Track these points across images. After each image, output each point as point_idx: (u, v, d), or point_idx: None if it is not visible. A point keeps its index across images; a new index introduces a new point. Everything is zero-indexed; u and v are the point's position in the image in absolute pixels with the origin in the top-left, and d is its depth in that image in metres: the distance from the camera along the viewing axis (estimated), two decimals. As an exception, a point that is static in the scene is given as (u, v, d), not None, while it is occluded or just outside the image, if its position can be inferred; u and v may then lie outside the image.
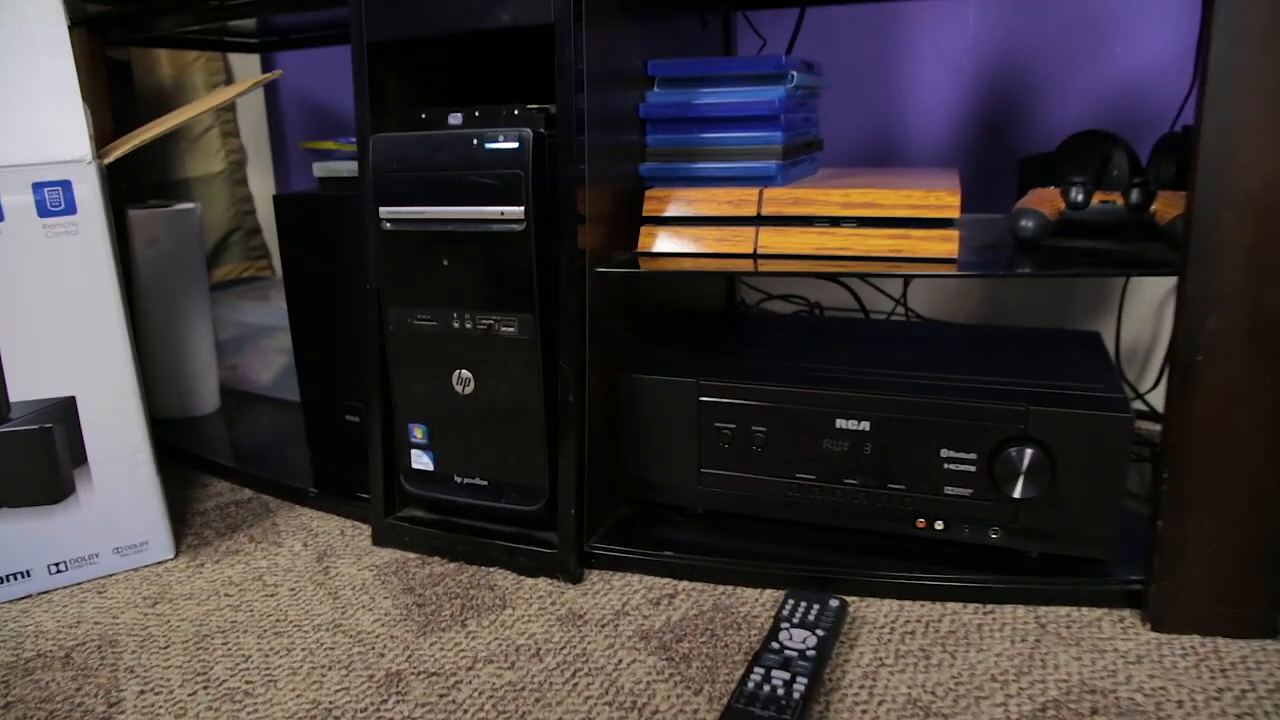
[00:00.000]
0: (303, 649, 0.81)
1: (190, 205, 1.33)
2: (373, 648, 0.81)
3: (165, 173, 1.62)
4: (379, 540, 1.00)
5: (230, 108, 1.69)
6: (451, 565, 0.95)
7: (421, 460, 0.97)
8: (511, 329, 0.88)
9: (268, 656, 0.80)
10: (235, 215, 1.70)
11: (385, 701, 0.74)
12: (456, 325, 0.90)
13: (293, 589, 0.92)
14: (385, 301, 0.93)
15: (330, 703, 0.74)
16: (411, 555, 0.97)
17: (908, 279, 1.26)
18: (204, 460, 1.22)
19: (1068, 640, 0.76)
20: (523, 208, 0.84)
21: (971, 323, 1.31)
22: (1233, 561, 0.75)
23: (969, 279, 1.33)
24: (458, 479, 0.95)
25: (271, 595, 0.91)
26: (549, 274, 0.86)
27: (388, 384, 0.96)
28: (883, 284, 1.32)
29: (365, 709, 0.73)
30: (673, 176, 0.94)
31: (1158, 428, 1.10)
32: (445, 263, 0.89)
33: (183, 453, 1.25)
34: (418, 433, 0.96)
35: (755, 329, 1.12)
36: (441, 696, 0.74)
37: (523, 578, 0.91)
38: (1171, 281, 1.17)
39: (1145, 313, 1.19)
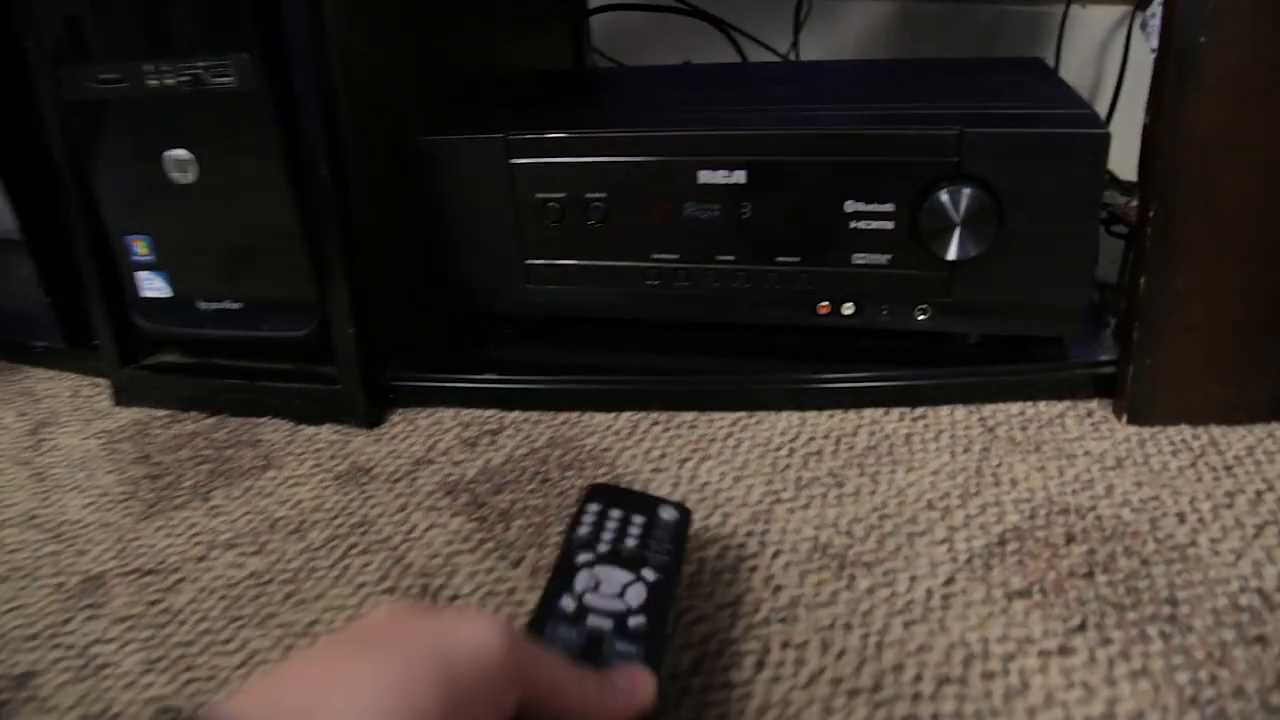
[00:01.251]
0: (-28, 554, 0.57)
1: None
2: (73, 544, 0.57)
3: None
4: (120, 399, 0.75)
5: None
6: (209, 421, 0.70)
7: (153, 284, 0.70)
8: (228, 79, 0.60)
9: (-93, 571, 0.56)
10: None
11: (69, 621, 0.51)
12: (153, 83, 0.62)
13: (-16, 473, 0.67)
14: (54, 61, 0.64)
15: (-14, 630, 0.50)
16: (161, 414, 0.72)
17: (799, 24, 1.00)
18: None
19: (1024, 445, 0.57)
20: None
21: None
22: (1233, 326, 0.56)
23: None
24: (202, 305, 0.69)
25: (-48, 484, 0.65)
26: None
27: (89, 184, 0.68)
28: (770, 38, 1.06)
29: (36, 635, 0.50)
30: None
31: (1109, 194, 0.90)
32: (122, -14, 0.60)
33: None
34: (140, 247, 0.69)
35: (599, 82, 0.86)
36: (152, 604, 0.51)
37: (301, 428, 0.67)
38: (1121, 10, 0.95)
39: (1088, 50, 0.97)
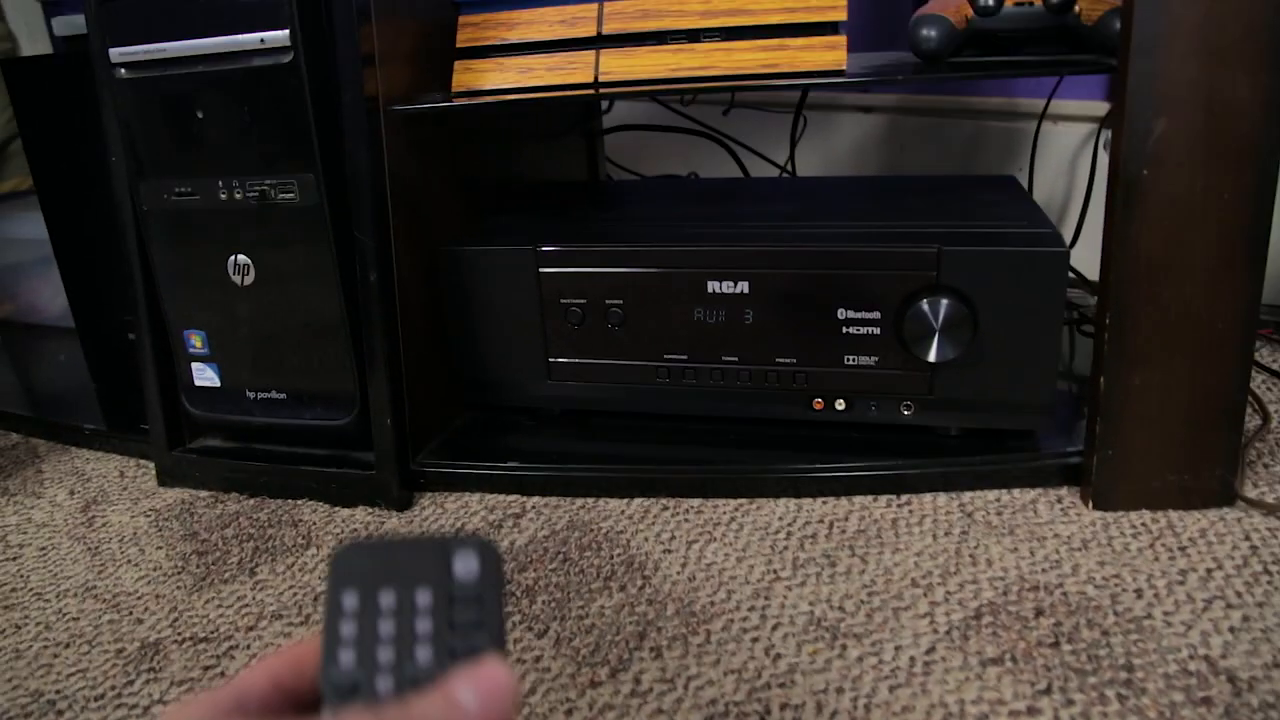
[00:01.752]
0: (38, 623, 0.63)
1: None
2: (131, 613, 0.63)
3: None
4: (164, 480, 0.81)
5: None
6: (250, 502, 0.76)
7: (205, 375, 0.77)
8: (291, 195, 0.68)
9: (-20, 637, 0.61)
10: (12, 119, 1.43)
11: (131, 683, 0.56)
12: (224, 196, 0.70)
13: (43, 548, 0.72)
14: (134, 175, 0.72)
15: (56, 691, 0.56)
16: (203, 494, 0.78)
17: (795, 139, 1.09)
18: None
19: (999, 529, 0.63)
20: (287, 31, 0.64)
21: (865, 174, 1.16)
22: (1185, 420, 0.62)
23: (866, 114, 1.18)
24: (250, 394, 0.76)
25: (14, 559, 0.71)
26: (333, 121, 0.66)
27: (154, 283, 0.76)
28: (768, 149, 1.15)
29: (103, 695, 0.55)
30: (493, -2, 0.74)
31: (1080, 294, 0.97)
32: (200, 115, 0.68)
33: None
34: (196, 341, 0.76)
35: (614, 195, 0.94)
36: (207, 669, 0.56)
37: (336, 509, 0.73)
38: (1089, 127, 1.03)
39: (1059, 163, 1.06)
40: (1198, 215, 0.59)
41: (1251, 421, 0.73)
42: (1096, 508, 0.64)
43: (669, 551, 0.63)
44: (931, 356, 0.64)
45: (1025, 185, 1.04)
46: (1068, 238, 1.03)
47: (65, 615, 0.63)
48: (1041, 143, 1.05)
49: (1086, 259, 0.63)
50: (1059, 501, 0.65)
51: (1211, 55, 0.56)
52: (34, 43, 1.48)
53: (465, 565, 0.28)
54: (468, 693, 0.25)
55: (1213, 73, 0.57)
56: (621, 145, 1.21)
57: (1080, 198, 1.03)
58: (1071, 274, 0.99)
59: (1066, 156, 1.06)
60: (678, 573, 0.61)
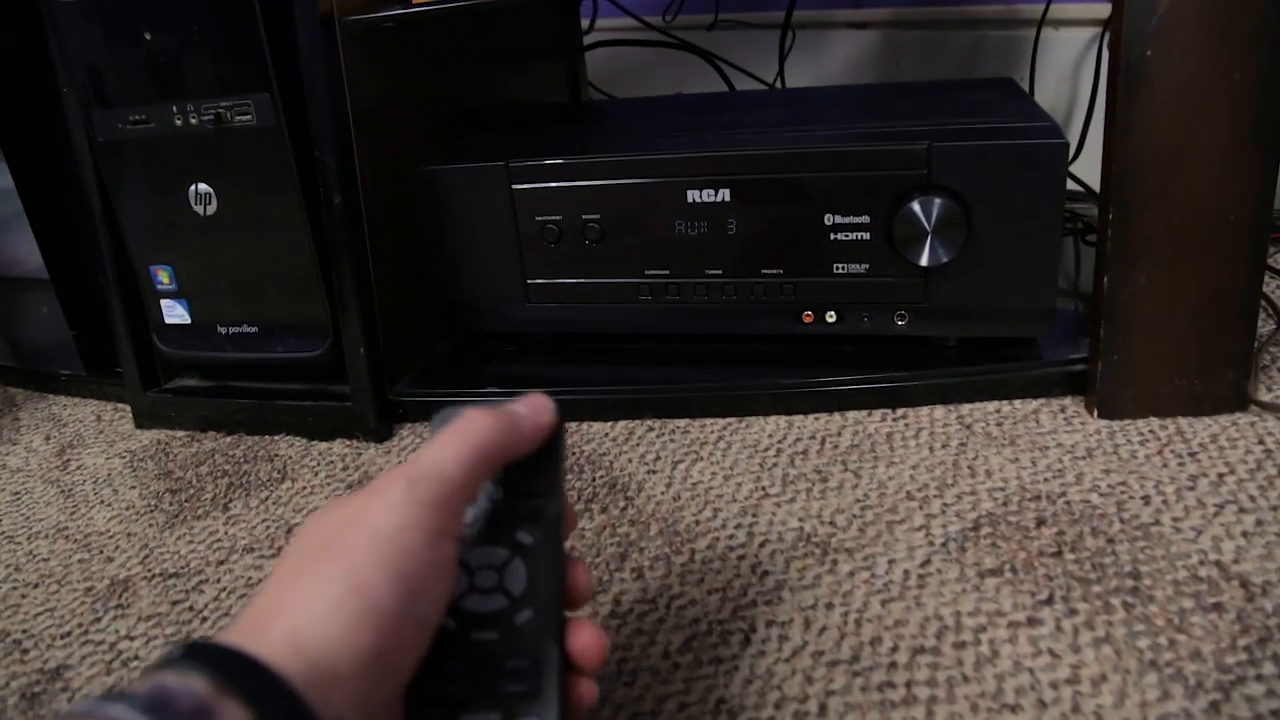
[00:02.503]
0: (7, 565, 0.61)
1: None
2: (101, 552, 0.61)
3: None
4: (141, 422, 0.78)
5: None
6: (227, 440, 0.74)
7: (175, 312, 0.74)
8: (248, 117, 0.65)
9: (-54, 580, 0.59)
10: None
11: (98, 620, 0.54)
12: (179, 122, 0.67)
13: (16, 493, 0.70)
14: (86, 106, 0.69)
15: (23, 631, 0.54)
16: (180, 434, 0.76)
17: (783, 55, 1.05)
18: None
19: (999, 440, 0.60)
20: (233, -64, 0.60)
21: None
22: (1194, 321, 0.59)
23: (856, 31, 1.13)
24: (222, 330, 0.73)
25: (-14, 503, 0.69)
26: (289, 36, 0.63)
27: (116, 219, 0.73)
28: (758, 69, 1.11)
29: (69, 633, 0.53)
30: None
31: (1086, 208, 0.93)
32: (148, 36, 0.65)
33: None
34: (163, 276, 0.73)
35: (593, 113, 0.90)
36: (175, 604, 0.54)
37: (314, 443, 0.71)
38: (1091, 32, 0.99)
39: (1062, 71, 1.01)
40: (1205, 99, 0.55)
41: (1266, 326, 0.69)
42: (1102, 416, 0.61)
43: (653, 472, 0.61)
44: (924, 260, 0.61)
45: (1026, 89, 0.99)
46: (1072, 149, 0.99)
47: (36, 556, 0.62)
48: (1042, 50, 1.00)
49: (1091, 171, 0.59)
50: (1062, 411, 0.62)
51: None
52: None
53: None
54: (521, 407, 0.37)
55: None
56: (604, 69, 1.17)
57: (1084, 107, 0.98)
58: (1076, 184, 0.95)
59: (1069, 63, 1.01)
60: (662, 493, 0.58)
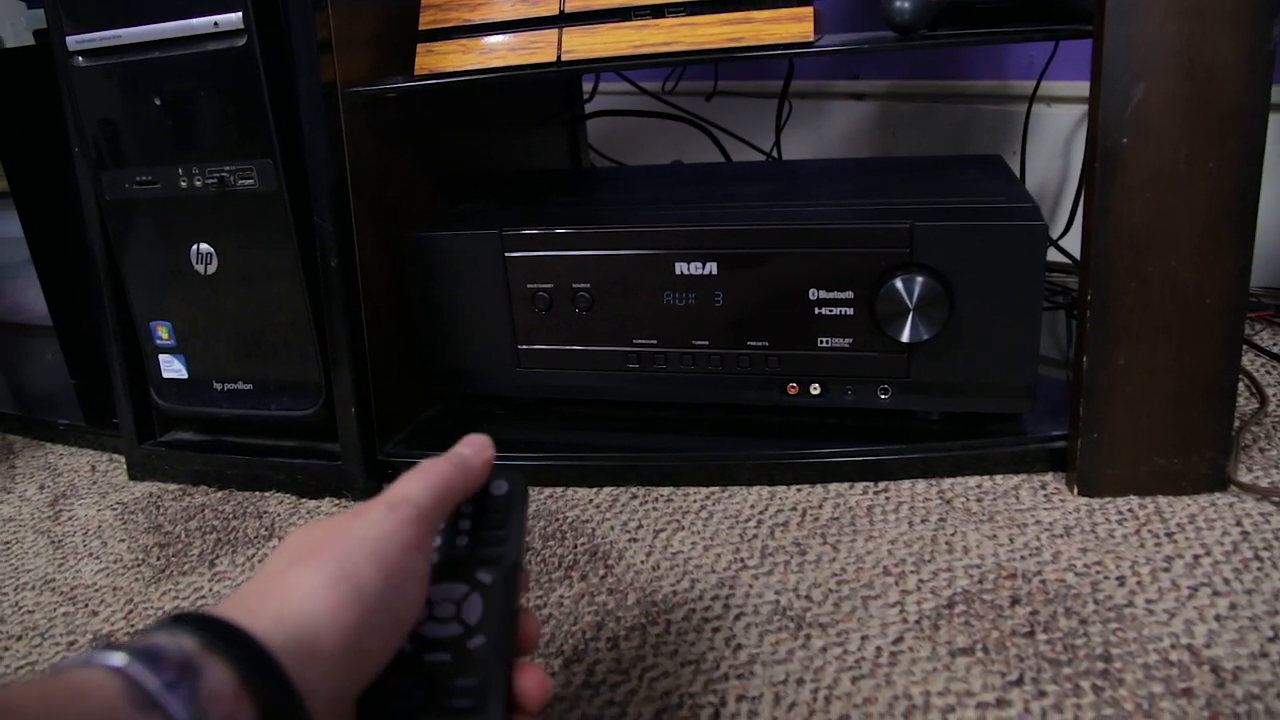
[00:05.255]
0: (-8, 617, 0.61)
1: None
2: (87, 605, 0.61)
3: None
4: (134, 474, 0.79)
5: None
6: (218, 494, 0.74)
7: (172, 367, 0.76)
8: (250, 181, 0.67)
9: (-70, 631, 0.59)
10: None
11: (78, 676, 0.54)
12: (184, 184, 0.68)
13: (6, 543, 0.71)
14: (96, 165, 0.71)
15: (3, 685, 0.54)
16: (172, 488, 0.77)
17: (780, 125, 1.07)
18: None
19: (979, 516, 0.60)
20: (240, 14, 0.63)
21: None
22: (1173, 401, 0.60)
23: (849, 100, 1.15)
24: (218, 386, 0.74)
25: (-23, 553, 0.70)
26: (292, 106, 0.65)
27: (119, 275, 0.74)
28: (756, 138, 1.13)
29: (48, 689, 0.53)
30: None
31: (1072, 280, 0.95)
32: (158, 101, 0.67)
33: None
34: (162, 332, 0.75)
35: (588, 181, 0.92)
36: (155, 662, 0.54)
37: (302, 501, 0.72)
38: (1082, 109, 1.01)
39: (1053, 146, 1.03)
40: (1181, 185, 0.56)
41: (1249, 405, 0.70)
42: (1081, 494, 0.62)
43: (635, 540, 0.61)
44: (905, 337, 0.62)
45: (1017, 169, 1.01)
46: (1062, 221, 1.00)
47: (21, 608, 0.62)
48: (1034, 125, 1.02)
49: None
50: (1043, 488, 0.63)
51: (1191, 14, 0.54)
52: (18, 39, 1.48)
53: (498, 488, 0.41)
54: (464, 448, 0.41)
55: (1193, 32, 0.54)
56: (606, 134, 1.20)
57: (1075, 182, 1.00)
58: (1065, 258, 0.97)
59: (1060, 139, 1.03)
60: (642, 562, 0.59)
